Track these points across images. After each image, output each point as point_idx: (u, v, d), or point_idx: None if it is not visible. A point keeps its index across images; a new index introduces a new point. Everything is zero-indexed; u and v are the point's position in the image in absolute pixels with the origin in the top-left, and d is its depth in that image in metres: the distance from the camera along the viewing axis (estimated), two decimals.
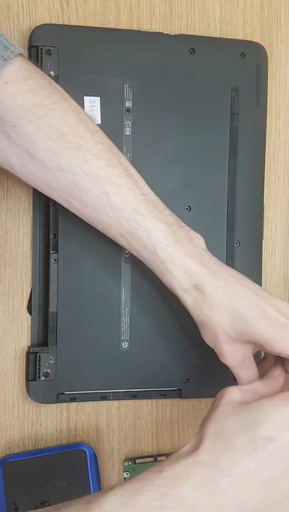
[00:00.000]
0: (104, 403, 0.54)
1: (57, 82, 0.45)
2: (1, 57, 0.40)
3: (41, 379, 0.50)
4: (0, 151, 0.43)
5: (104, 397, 0.52)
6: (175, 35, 0.52)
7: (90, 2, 0.52)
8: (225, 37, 0.55)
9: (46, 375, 0.50)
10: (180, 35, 0.53)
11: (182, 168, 0.52)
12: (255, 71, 0.54)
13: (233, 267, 0.47)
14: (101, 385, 0.52)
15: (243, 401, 0.39)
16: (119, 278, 0.51)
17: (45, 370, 0.50)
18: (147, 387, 0.52)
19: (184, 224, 0.45)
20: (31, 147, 0.42)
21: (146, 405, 0.55)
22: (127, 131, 0.51)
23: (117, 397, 0.52)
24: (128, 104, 0.51)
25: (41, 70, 0.44)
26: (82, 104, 0.49)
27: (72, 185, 0.43)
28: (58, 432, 0.53)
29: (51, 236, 0.50)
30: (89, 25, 0.52)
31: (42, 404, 0.52)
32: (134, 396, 0.52)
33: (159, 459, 0.54)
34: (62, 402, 0.51)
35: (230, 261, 0.53)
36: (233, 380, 0.47)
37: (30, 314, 0.52)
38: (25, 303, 0.52)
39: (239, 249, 0.53)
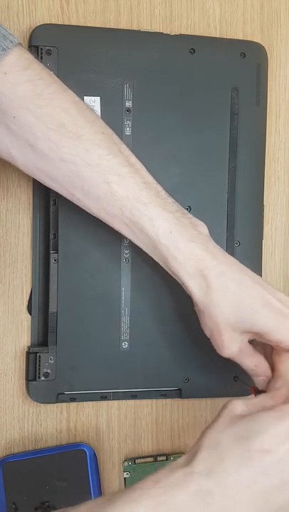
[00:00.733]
0: (104, 403, 0.54)
1: None
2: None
3: (41, 379, 0.50)
4: (0, 143, 0.42)
5: (104, 397, 0.52)
6: (175, 35, 0.52)
7: (90, 2, 0.52)
8: (225, 37, 0.55)
9: (46, 375, 0.50)
10: (180, 35, 0.53)
11: (182, 168, 0.52)
12: (255, 71, 0.54)
13: None
14: (101, 385, 0.52)
15: (244, 414, 0.39)
16: (119, 278, 0.51)
17: (45, 370, 0.50)
18: (147, 387, 0.52)
19: (186, 212, 0.45)
20: (31, 138, 0.41)
21: (146, 405, 0.55)
22: (127, 131, 0.51)
23: (117, 397, 0.52)
24: (128, 104, 0.51)
25: None
26: None
27: (73, 175, 0.43)
28: (58, 432, 0.53)
29: (51, 236, 0.50)
30: (89, 25, 0.52)
31: (42, 404, 0.52)
32: (134, 396, 0.52)
33: (159, 459, 0.54)
34: (62, 402, 0.51)
35: None
36: (250, 390, 0.47)
37: (30, 314, 0.52)
38: (25, 303, 0.52)
39: (239, 249, 0.53)
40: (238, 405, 0.39)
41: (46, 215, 0.51)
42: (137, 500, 0.34)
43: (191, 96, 0.52)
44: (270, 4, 0.57)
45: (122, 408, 0.54)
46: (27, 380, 0.51)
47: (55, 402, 0.51)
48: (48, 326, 0.50)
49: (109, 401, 0.54)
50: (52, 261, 0.50)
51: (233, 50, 0.53)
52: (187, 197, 0.52)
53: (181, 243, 0.43)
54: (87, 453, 0.52)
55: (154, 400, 0.55)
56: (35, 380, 0.50)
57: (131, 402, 0.54)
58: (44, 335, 0.51)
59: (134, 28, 0.54)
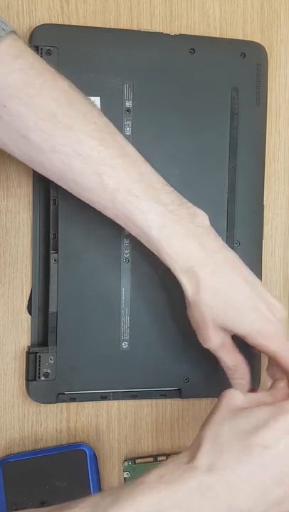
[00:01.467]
0: (104, 403, 0.54)
1: None
2: None
3: (41, 379, 0.50)
4: None
5: (104, 397, 0.52)
6: (175, 35, 0.52)
7: (90, 2, 0.52)
8: (225, 37, 0.55)
9: (46, 375, 0.50)
10: (180, 35, 0.53)
11: (182, 168, 0.52)
12: (255, 71, 0.54)
13: None
14: (101, 385, 0.52)
15: (244, 406, 0.39)
16: (119, 278, 0.51)
17: (45, 370, 0.50)
18: (147, 387, 0.53)
19: (186, 201, 0.45)
20: (23, 128, 0.41)
21: (146, 405, 0.55)
22: (127, 131, 0.51)
23: (117, 397, 0.52)
24: (128, 104, 0.51)
25: None
26: None
27: (65, 166, 0.42)
28: (58, 432, 0.53)
29: (51, 236, 0.50)
30: (89, 25, 0.52)
31: (42, 404, 0.52)
32: (134, 396, 0.53)
33: (159, 459, 0.54)
34: (62, 402, 0.51)
35: None
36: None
37: (30, 314, 0.52)
38: (25, 303, 0.52)
39: (239, 249, 0.53)
40: (238, 396, 0.40)
41: (46, 215, 0.51)
42: (141, 493, 0.34)
43: (191, 96, 0.52)
44: (270, 4, 0.57)
45: (122, 408, 0.54)
46: (27, 380, 0.51)
47: (55, 402, 0.51)
48: (48, 326, 0.50)
49: (109, 401, 0.54)
50: (52, 261, 0.50)
51: (233, 50, 0.53)
52: (187, 197, 0.51)
53: (174, 238, 0.43)
54: (87, 453, 0.52)
55: (154, 400, 0.55)
56: (35, 380, 0.50)
57: (131, 402, 0.54)
58: (44, 335, 0.51)
59: (134, 28, 0.53)
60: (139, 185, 0.42)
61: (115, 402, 0.54)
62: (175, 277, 0.44)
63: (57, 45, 0.49)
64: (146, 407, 0.55)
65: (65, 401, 0.51)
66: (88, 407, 0.54)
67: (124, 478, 0.53)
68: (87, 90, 0.50)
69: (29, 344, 0.52)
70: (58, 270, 0.50)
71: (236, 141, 0.53)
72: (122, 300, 0.51)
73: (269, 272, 0.57)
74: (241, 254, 0.53)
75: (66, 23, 0.52)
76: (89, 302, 0.51)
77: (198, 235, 0.43)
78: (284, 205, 0.58)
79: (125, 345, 0.52)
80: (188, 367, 0.52)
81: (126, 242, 0.51)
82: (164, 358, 0.52)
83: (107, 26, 0.53)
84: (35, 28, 0.50)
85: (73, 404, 0.53)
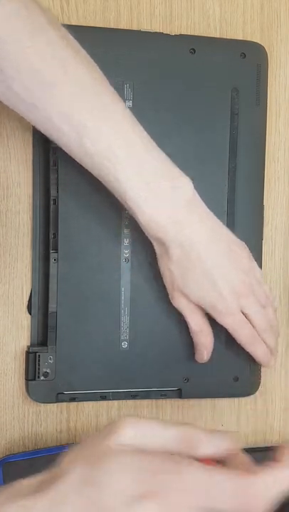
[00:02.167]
0: (104, 403, 0.54)
1: None
2: None
3: (41, 379, 0.50)
4: None
5: (104, 397, 0.52)
6: (175, 35, 0.52)
7: (90, 2, 0.53)
8: (225, 37, 0.55)
9: (46, 374, 0.50)
10: (180, 35, 0.53)
11: (182, 168, 0.52)
12: (255, 71, 0.54)
13: None
14: (101, 385, 0.52)
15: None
16: (119, 278, 0.51)
17: (44, 370, 0.50)
18: (147, 387, 0.52)
19: (172, 167, 0.45)
20: (9, 80, 0.40)
21: (146, 405, 0.55)
22: None
23: (117, 397, 0.52)
24: (128, 104, 0.51)
25: None
26: None
27: (48, 122, 0.42)
28: (58, 432, 0.53)
29: (51, 236, 0.50)
30: (89, 25, 0.52)
31: (42, 404, 0.52)
32: (134, 396, 0.52)
33: None
34: (62, 401, 0.51)
35: None
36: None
37: (30, 314, 0.52)
38: (25, 303, 0.52)
39: None
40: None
41: (46, 215, 0.51)
42: None
43: (191, 96, 0.52)
44: (270, 4, 0.57)
45: (122, 408, 0.54)
46: (27, 379, 0.51)
47: (55, 402, 0.51)
48: (48, 326, 0.50)
49: (109, 401, 0.54)
50: (52, 261, 0.50)
51: (233, 50, 0.53)
52: None
53: (147, 210, 0.44)
54: None
55: (154, 400, 0.55)
56: (34, 379, 0.50)
57: (131, 402, 0.54)
58: (44, 334, 0.51)
59: (134, 28, 0.54)
60: (120, 150, 0.42)
61: (115, 402, 0.54)
62: None
63: None
64: (146, 407, 0.55)
65: (65, 401, 0.51)
66: (88, 407, 0.54)
67: None
68: None
69: (29, 344, 0.52)
70: (57, 270, 0.50)
71: (236, 141, 0.53)
72: (122, 300, 0.51)
73: (269, 272, 0.57)
74: None
75: (66, 23, 0.52)
76: (89, 302, 0.51)
77: (172, 207, 0.44)
78: (284, 205, 0.58)
79: (125, 345, 0.52)
80: (188, 367, 0.52)
81: (126, 242, 0.51)
82: (164, 358, 0.52)
83: (107, 26, 0.53)
84: None
85: (73, 404, 0.53)
